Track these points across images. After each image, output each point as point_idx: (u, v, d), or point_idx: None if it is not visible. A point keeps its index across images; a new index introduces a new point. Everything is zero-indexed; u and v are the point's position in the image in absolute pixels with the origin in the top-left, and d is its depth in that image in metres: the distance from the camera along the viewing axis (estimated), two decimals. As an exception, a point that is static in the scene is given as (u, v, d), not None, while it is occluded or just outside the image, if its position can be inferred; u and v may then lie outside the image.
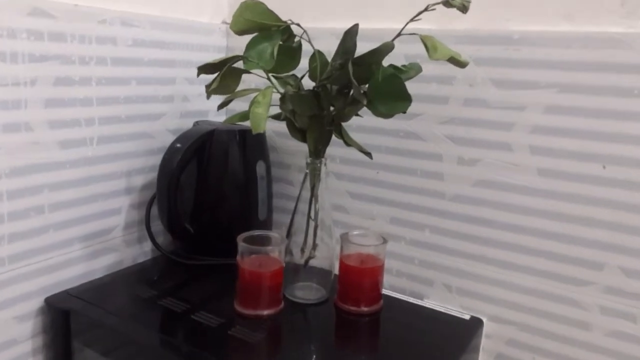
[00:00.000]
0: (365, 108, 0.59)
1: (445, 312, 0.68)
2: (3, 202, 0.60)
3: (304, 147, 0.66)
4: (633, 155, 0.58)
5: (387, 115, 0.57)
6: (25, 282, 0.64)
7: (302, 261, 0.68)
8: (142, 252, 0.79)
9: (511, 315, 0.68)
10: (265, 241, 0.64)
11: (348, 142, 0.64)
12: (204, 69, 0.58)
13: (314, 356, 0.56)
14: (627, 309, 0.61)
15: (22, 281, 0.63)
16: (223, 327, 0.59)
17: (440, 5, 0.55)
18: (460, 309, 0.71)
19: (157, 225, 0.76)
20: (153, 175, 0.76)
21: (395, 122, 0.73)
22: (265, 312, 0.62)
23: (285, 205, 0.85)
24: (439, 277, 0.73)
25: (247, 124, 0.67)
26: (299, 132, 0.63)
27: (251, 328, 0.59)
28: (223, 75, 0.57)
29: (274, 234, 0.65)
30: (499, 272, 0.68)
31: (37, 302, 0.65)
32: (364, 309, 0.64)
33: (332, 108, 0.62)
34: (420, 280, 0.74)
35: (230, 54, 0.59)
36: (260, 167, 0.78)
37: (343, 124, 0.64)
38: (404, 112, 0.58)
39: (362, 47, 0.56)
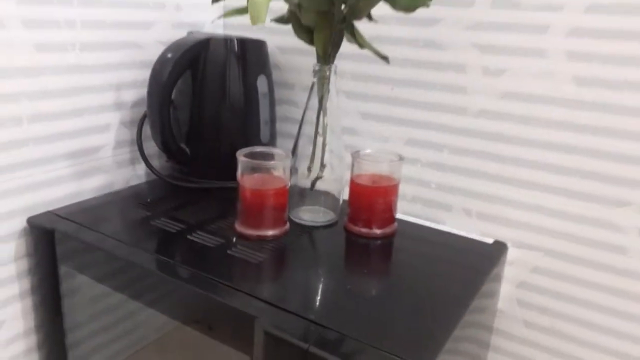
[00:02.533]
0: (379, 9, 0.51)
1: (465, 236, 0.62)
2: (-26, 108, 0.54)
3: (309, 64, 0.59)
4: (689, 55, 0.51)
5: (409, 7, 0.50)
6: (5, 199, 0.58)
7: (308, 183, 0.62)
8: (135, 174, 0.73)
9: (537, 240, 0.62)
10: (268, 157, 0.57)
11: (362, 43, 0.56)
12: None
13: (322, 279, 0.51)
14: (667, 231, 0.55)
15: (5, 197, 0.58)
16: (222, 247, 0.54)
17: None
18: (481, 235, 0.65)
19: (151, 148, 0.70)
20: (143, 91, 0.69)
21: (413, 30, 0.65)
22: (270, 233, 0.56)
23: (289, 130, 0.79)
24: (458, 201, 0.67)
25: (247, 28, 0.59)
26: (305, 32, 0.56)
27: (253, 249, 0.54)
28: (219, -42, 0.49)
29: (277, 150, 0.58)
30: (525, 194, 0.62)
31: (20, 221, 0.60)
32: (376, 231, 0.59)
33: (343, 6, 0.54)
34: (437, 205, 0.68)
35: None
36: (261, 83, 0.71)
37: (356, 23, 0.56)
38: (427, 6, 0.50)
39: None
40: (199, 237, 0.56)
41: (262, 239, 0.56)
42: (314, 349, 0.39)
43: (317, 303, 0.46)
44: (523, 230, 0.63)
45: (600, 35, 0.54)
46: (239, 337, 0.44)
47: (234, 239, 0.56)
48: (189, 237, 0.55)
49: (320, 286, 0.50)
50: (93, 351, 0.61)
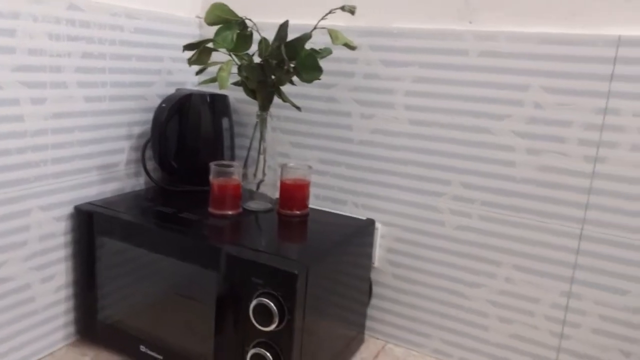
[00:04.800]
0: (297, 79, 0.90)
1: (352, 216, 1.00)
2: (48, 136, 0.88)
3: (255, 110, 0.96)
4: (468, 108, 0.92)
5: (308, 80, 0.88)
6: (62, 194, 0.92)
7: (254, 186, 0.98)
8: (137, 183, 1.08)
9: (397, 220, 1.01)
10: (229, 166, 0.94)
11: (284, 99, 0.94)
12: (188, 46, 0.88)
13: (262, 234, 0.87)
14: (466, 209, 0.95)
15: (60, 192, 0.92)
16: (201, 220, 0.89)
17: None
18: (363, 217, 1.03)
19: (149, 165, 1.06)
20: (146, 127, 1.05)
21: (320, 91, 1.04)
22: (230, 212, 0.92)
23: (243, 154, 1.15)
24: (350, 198, 1.05)
25: (215, 87, 0.98)
26: (251, 92, 0.94)
27: (220, 221, 0.90)
28: (200, 51, 0.87)
29: (235, 163, 0.95)
30: (388, 191, 1.01)
31: (69, 209, 0.94)
32: (296, 212, 0.96)
33: (273, 77, 0.92)
34: (337, 201, 1.06)
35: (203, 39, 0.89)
36: (225, 122, 1.08)
37: (282, 87, 0.94)
38: (319, 79, 0.89)
39: (291, 36, 0.87)
40: (186, 215, 0.91)
41: (225, 217, 0.92)
42: (258, 259, 0.75)
43: (258, 243, 0.82)
44: (388, 214, 1.01)
45: (423, 95, 0.95)
46: (210, 261, 0.80)
47: (208, 216, 0.91)
48: (179, 215, 0.91)
49: (262, 237, 0.86)
50: (117, 300, 0.94)
